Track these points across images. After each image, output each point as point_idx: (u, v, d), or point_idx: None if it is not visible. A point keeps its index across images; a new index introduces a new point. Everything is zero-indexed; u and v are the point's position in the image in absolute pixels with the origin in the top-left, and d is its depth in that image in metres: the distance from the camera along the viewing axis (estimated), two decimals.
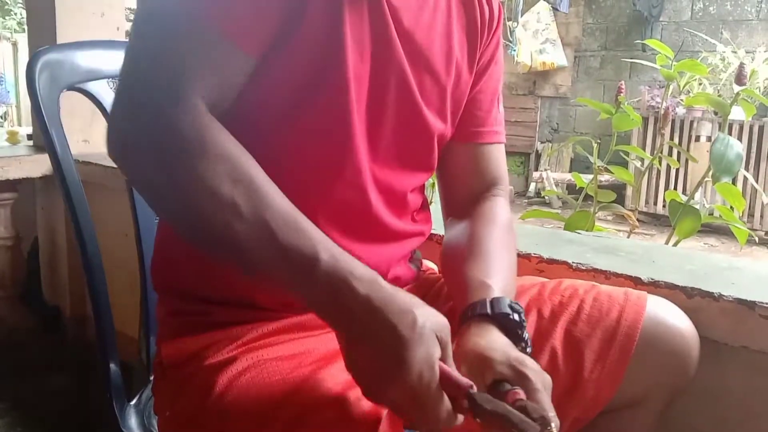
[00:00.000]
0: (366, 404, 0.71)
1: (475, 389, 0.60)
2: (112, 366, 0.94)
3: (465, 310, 0.74)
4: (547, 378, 0.66)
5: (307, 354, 0.75)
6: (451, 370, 0.60)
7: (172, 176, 0.60)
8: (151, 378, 0.89)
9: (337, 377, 0.72)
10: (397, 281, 0.86)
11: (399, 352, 0.57)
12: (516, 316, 0.72)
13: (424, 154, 0.85)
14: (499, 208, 0.89)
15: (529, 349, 0.72)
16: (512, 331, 0.71)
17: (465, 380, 0.60)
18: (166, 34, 0.63)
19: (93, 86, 0.97)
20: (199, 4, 0.63)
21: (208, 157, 0.60)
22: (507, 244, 0.85)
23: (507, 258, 0.83)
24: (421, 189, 0.91)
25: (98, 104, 0.99)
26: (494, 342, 0.69)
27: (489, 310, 0.72)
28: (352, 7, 0.71)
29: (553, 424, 0.59)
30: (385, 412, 0.72)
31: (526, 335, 0.72)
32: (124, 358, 0.97)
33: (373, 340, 0.58)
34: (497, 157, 0.93)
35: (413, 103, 0.79)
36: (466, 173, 0.92)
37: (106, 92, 0.99)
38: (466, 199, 0.91)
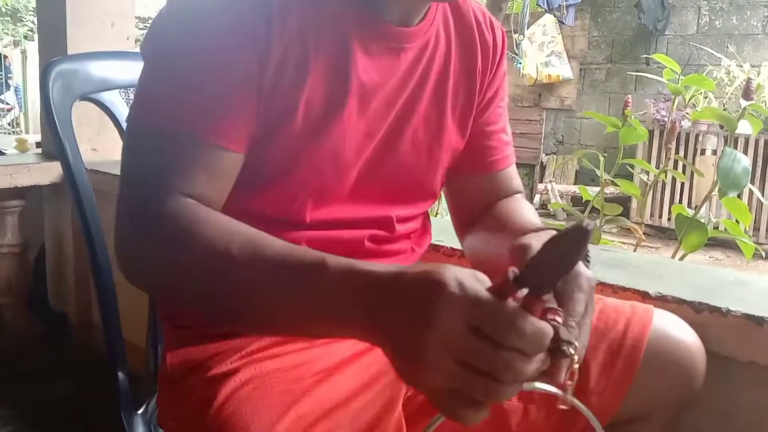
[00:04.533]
0: (368, 414, 0.71)
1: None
2: (120, 375, 0.94)
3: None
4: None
5: (309, 364, 0.75)
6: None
7: (166, 268, 0.63)
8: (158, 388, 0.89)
9: (340, 387, 0.72)
10: None
11: (443, 295, 0.48)
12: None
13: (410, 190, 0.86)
14: (519, 201, 0.92)
15: (589, 264, 0.71)
16: None
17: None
18: (152, 148, 0.67)
19: (105, 96, 0.98)
20: (180, 118, 0.66)
21: (192, 246, 0.61)
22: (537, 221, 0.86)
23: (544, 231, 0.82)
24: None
25: (110, 114, 1.00)
26: None
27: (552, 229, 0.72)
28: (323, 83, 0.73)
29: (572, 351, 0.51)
30: (388, 421, 0.72)
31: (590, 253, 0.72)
32: (131, 368, 0.97)
33: (410, 301, 0.50)
34: (512, 176, 0.95)
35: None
36: (484, 196, 0.93)
37: (118, 102, 1.00)
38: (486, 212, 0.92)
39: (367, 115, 0.77)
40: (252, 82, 0.69)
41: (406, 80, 0.80)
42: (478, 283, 0.49)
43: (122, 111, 1.00)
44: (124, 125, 0.96)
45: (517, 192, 0.95)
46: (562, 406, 0.54)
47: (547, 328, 0.48)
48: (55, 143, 0.92)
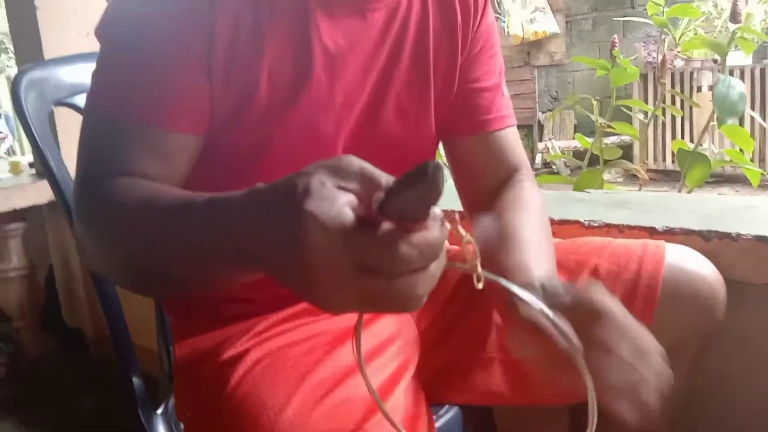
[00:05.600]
0: (382, 377, 0.70)
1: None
2: (135, 379, 0.94)
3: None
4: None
5: (318, 336, 0.74)
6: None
7: (99, 247, 0.60)
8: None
9: (351, 354, 0.71)
10: None
11: (296, 214, 0.41)
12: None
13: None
14: (528, 192, 0.83)
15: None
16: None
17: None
18: (96, 134, 0.66)
19: (81, 100, 0.96)
20: (119, 102, 0.65)
21: (108, 217, 0.59)
22: (544, 231, 0.78)
23: (546, 247, 0.75)
24: None
25: None
26: None
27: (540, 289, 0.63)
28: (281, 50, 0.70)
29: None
30: (403, 383, 0.71)
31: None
32: (150, 371, 0.96)
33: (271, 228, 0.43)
34: (511, 143, 0.88)
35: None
36: (483, 165, 0.86)
37: None
38: (489, 191, 0.85)
39: (341, 84, 0.74)
40: (198, 60, 0.66)
41: (379, 44, 0.76)
42: (340, 209, 0.42)
43: None
44: None
45: (521, 171, 0.87)
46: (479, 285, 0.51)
47: (431, 236, 0.41)
48: (35, 153, 0.90)
